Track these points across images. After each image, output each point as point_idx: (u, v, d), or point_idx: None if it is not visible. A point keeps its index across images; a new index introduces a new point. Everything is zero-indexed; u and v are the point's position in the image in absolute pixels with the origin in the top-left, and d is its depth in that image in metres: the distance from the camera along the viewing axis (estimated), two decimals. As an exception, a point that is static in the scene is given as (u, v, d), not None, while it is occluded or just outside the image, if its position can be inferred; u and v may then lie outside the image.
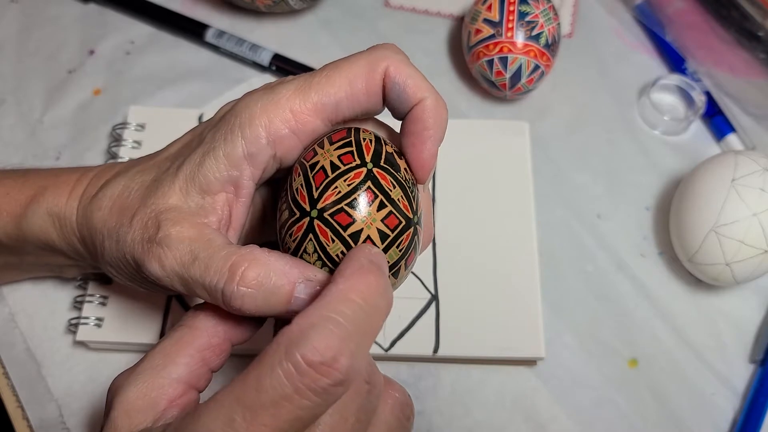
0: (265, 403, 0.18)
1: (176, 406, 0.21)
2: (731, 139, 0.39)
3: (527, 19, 0.36)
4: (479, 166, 0.36)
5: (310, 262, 0.21)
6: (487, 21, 0.36)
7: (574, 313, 0.35)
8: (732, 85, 0.41)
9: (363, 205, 0.21)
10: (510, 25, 0.36)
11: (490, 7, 0.37)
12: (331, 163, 0.22)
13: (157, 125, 0.36)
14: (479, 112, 0.40)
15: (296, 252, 0.22)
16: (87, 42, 0.41)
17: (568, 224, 0.37)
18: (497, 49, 0.36)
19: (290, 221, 0.22)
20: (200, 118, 0.36)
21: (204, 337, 0.22)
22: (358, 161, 0.22)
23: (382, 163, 0.22)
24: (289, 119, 0.23)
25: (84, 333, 0.31)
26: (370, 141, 0.22)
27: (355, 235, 0.21)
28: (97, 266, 0.27)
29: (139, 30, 0.41)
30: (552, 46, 0.37)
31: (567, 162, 0.39)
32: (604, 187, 0.38)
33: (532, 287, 0.33)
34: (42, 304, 0.33)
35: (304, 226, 0.21)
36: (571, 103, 0.40)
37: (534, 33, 0.36)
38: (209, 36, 0.40)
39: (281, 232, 0.22)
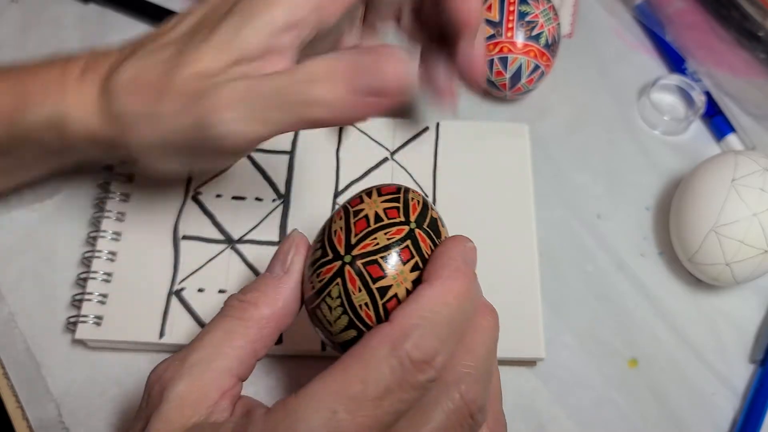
0: (370, 395, 0.18)
1: (227, 397, 0.21)
2: (731, 139, 0.39)
3: (527, 19, 0.36)
4: (479, 167, 0.36)
5: (331, 307, 0.21)
6: (487, 21, 0.37)
7: (574, 314, 0.35)
8: (732, 85, 0.41)
9: (397, 262, 0.21)
10: (510, 25, 0.36)
11: (490, 7, 0.37)
12: (376, 214, 0.22)
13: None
14: (479, 112, 0.40)
15: (320, 293, 0.22)
16: (87, 42, 0.41)
17: (568, 224, 0.37)
18: (497, 49, 0.36)
19: (321, 261, 0.22)
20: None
21: (255, 328, 0.22)
22: (402, 218, 0.22)
23: (425, 226, 0.22)
24: None
25: (83, 331, 0.31)
26: (418, 202, 0.22)
27: (383, 290, 0.21)
28: (113, 154, 0.27)
29: (139, 30, 0.41)
30: (552, 46, 0.37)
31: (567, 162, 0.39)
32: (604, 187, 0.38)
33: (532, 287, 0.33)
34: (41, 304, 0.33)
35: (334, 269, 0.21)
36: (571, 103, 0.40)
37: (534, 33, 0.36)
38: (209, 36, 0.40)
39: (309, 269, 0.22)
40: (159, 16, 0.41)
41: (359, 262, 0.21)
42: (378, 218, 0.22)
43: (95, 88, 0.25)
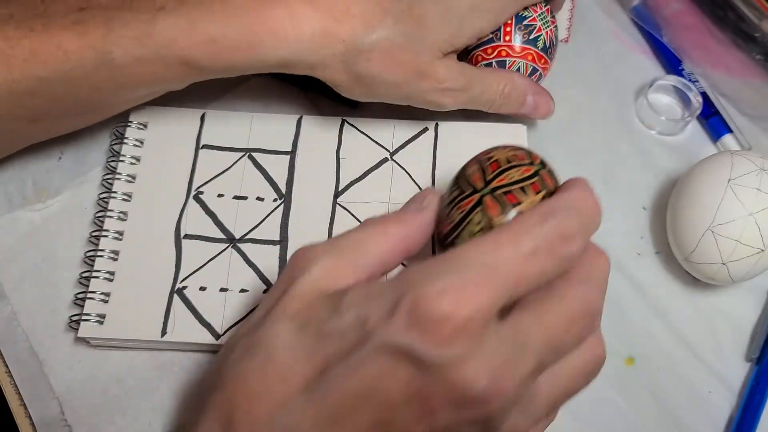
0: (521, 251, 0.21)
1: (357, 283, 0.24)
2: (727, 139, 0.40)
3: (525, 22, 0.36)
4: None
5: (473, 232, 0.24)
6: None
7: (571, 312, 0.35)
8: (728, 86, 0.41)
9: (530, 192, 0.25)
10: (508, 29, 0.36)
11: None
12: (506, 158, 0.26)
13: (159, 124, 0.36)
14: (478, 112, 0.40)
15: (460, 223, 0.25)
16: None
17: (565, 224, 0.37)
18: (495, 53, 0.36)
19: (460, 197, 0.25)
20: (202, 117, 0.37)
21: (391, 242, 0.24)
22: (528, 161, 0.26)
23: (548, 168, 0.26)
24: None
25: (85, 330, 0.31)
26: (537, 155, 0.26)
27: None
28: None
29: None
30: (549, 50, 0.37)
31: (564, 162, 0.39)
32: (602, 187, 0.38)
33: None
34: (44, 303, 0.33)
35: (474, 200, 0.25)
36: (568, 104, 0.40)
37: (532, 36, 0.36)
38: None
39: (447, 208, 0.26)
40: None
41: (497, 192, 0.25)
42: (508, 161, 0.25)
43: (335, 42, 0.29)
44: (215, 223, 0.34)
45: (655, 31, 0.42)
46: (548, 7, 0.37)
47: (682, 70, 0.41)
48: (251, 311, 0.32)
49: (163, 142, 0.36)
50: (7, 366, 0.32)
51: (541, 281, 0.22)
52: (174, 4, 0.28)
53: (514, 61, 0.36)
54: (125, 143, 0.36)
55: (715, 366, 0.34)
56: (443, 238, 0.25)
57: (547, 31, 0.37)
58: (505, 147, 0.26)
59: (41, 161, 0.37)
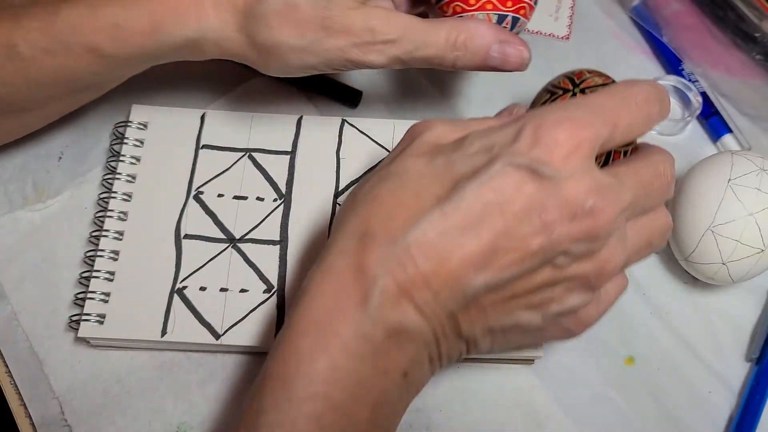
0: (628, 104, 0.24)
1: None
2: (727, 139, 0.40)
3: None
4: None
5: None
6: None
7: (571, 312, 0.35)
8: (728, 86, 0.41)
9: None
10: None
11: None
12: (588, 71, 0.31)
13: (159, 124, 0.36)
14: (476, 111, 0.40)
15: None
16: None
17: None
18: (450, 10, 0.30)
19: (552, 98, 0.31)
20: (202, 117, 0.37)
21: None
22: (605, 76, 0.31)
23: None
24: None
25: (85, 330, 0.31)
26: None
27: None
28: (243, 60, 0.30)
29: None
30: None
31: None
32: (602, 187, 0.38)
33: (531, 285, 0.33)
34: (44, 303, 0.33)
35: (568, 97, 0.30)
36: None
37: None
38: None
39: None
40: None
41: (586, 90, 0.30)
42: (589, 73, 0.31)
43: (236, 15, 0.28)
44: (215, 223, 0.34)
45: (655, 31, 0.42)
46: None
47: (682, 70, 0.41)
48: (250, 312, 0.32)
49: (163, 142, 0.36)
50: (7, 366, 0.32)
51: (629, 136, 0.24)
52: None
53: (472, 15, 0.31)
54: (125, 143, 0.36)
55: (715, 366, 0.34)
56: None
57: None
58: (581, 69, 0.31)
59: (41, 161, 0.37)
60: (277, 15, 0.27)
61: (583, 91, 0.30)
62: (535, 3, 0.32)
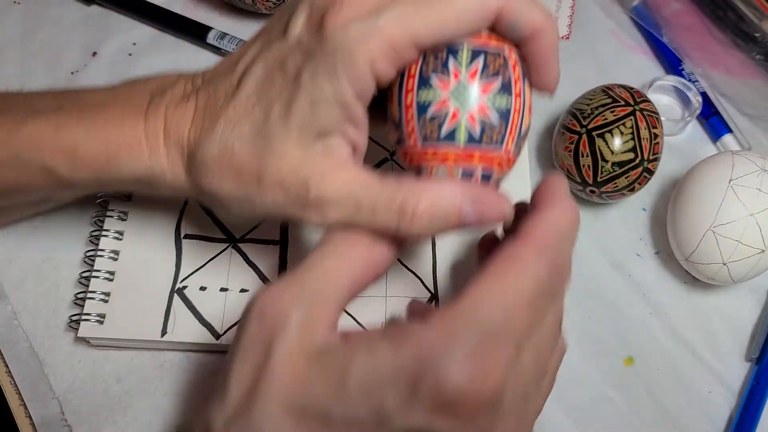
0: (530, 298, 0.21)
1: (335, 326, 0.22)
2: (728, 139, 0.39)
3: (430, 113, 0.23)
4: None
5: (622, 132, 0.31)
6: (392, 121, 0.25)
7: (570, 312, 0.34)
8: (728, 86, 0.41)
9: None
10: (410, 126, 0.24)
11: (391, 98, 0.24)
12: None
13: (158, 125, 0.36)
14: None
15: (614, 122, 0.32)
16: (90, 44, 0.41)
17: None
18: (407, 159, 0.25)
19: (612, 104, 0.34)
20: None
21: (360, 267, 0.23)
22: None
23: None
24: (391, 56, 0.22)
25: (85, 329, 0.31)
26: None
27: None
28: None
29: (142, 32, 0.42)
30: (490, 135, 0.24)
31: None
32: (602, 187, 0.38)
33: (530, 286, 0.33)
34: (44, 302, 0.33)
35: (628, 111, 0.34)
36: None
37: (445, 129, 0.23)
38: (211, 38, 0.41)
39: (597, 110, 0.33)
40: (161, 18, 0.42)
41: (645, 111, 0.34)
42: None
43: (181, 158, 0.26)
44: (215, 223, 0.34)
45: (655, 31, 0.42)
46: (474, 68, 0.23)
47: (682, 70, 0.41)
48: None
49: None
50: (7, 366, 0.32)
51: (538, 328, 0.22)
52: (50, 110, 0.27)
53: (432, 167, 0.24)
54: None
55: (715, 366, 0.34)
56: (593, 129, 0.32)
57: (470, 114, 0.23)
58: None
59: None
60: (215, 161, 0.24)
61: (642, 112, 0.33)
62: (518, 149, 0.25)
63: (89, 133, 0.26)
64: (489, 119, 0.23)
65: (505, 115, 0.24)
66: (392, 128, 0.25)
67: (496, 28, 0.23)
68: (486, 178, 0.24)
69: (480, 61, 0.23)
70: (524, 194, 0.36)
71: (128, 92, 0.27)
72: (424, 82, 0.23)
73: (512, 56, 0.24)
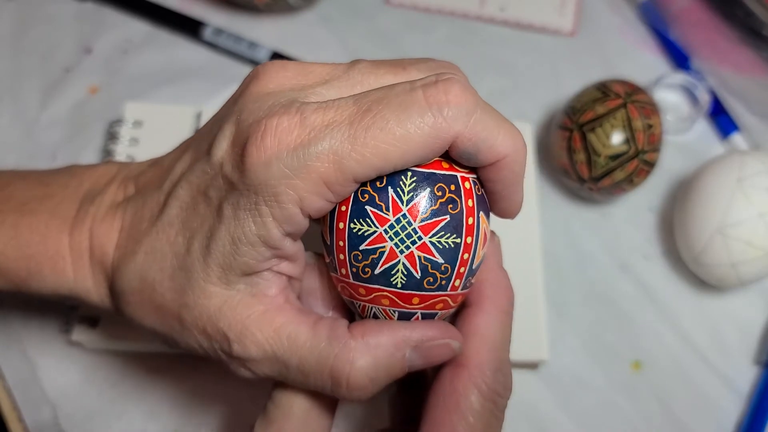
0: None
1: None
2: (736, 137, 0.39)
3: (363, 246, 0.20)
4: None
5: (613, 125, 0.32)
6: (324, 243, 0.22)
7: (577, 316, 0.34)
8: (736, 84, 0.40)
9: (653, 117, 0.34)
10: (341, 257, 0.21)
11: (324, 219, 0.21)
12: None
13: (153, 122, 0.36)
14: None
15: (604, 114, 0.33)
16: (83, 40, 0.40)
17: (571, 225, 0.36)
18: (340, 289, 0.22)
19: (604, 98, 0.34)
20: (198, 116, 0.36)
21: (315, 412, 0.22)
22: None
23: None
24: (323, 192, 0.19)
25: (79, 333, 0.31)
26: None
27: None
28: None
29: (136, 28, 0.41)
30: (433, 277, 0.20)
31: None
32: (607, 187, 0.38)
33: (536, 289, 0.32)
34: (37, 306, 0.33)
35: (619, 103, 0.33)
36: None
37: (379, 268, 0.20)
38: (207, 34, 0.40)
39: (588, 104, 0.34)
40: (156, 13, 0.41)
41: (636, 103, 0.33)
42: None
43: (106, 281, 0.24)
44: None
45: (662, 28, 0.42)
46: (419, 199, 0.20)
47: (690, 67, 0.41)
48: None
49: (158, 141, 0.35)
50: (0, 370, 0.32)
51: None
52: None
53: (364, 305, 0.21)
54: (120, 142, 0.35)
55: (723, 370, 0.33)
56: (583, 124, 0.33)
57: (410, 254, 0.20)
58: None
59: (35, 160, 0.36)
60: (134, 294, 0.22)
61: (634, 103, 0.33)
62: (470, 277, 0.21)
63: (10, 243, 0.24)
64: (432, 259, 0.20)
65: (452, 254, 0.20)
66: (324, 252, 0.22)
67: (451, 154, 0.20)
68: (428, 317, 0.21)
69: (425, 193, 0.19)
70: (527, 195, 0.35)
71: (61, 192, 0.25)
72: (358, 211, 0.20)
73: (466, 183, 0.20)
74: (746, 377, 0.33)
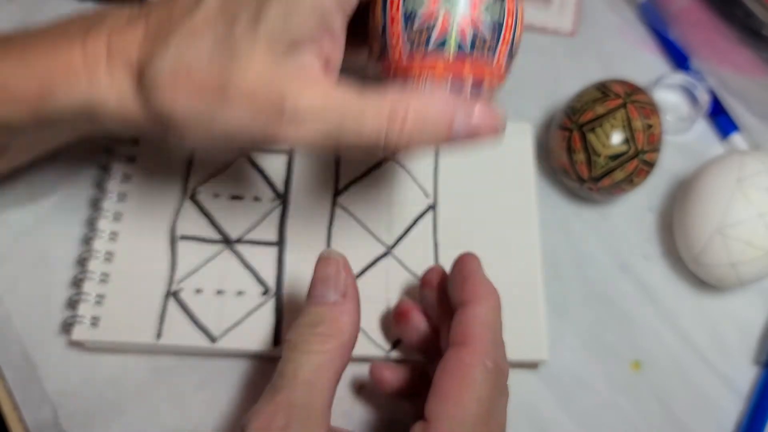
0: (483, 407, 0.23)
1: (329, 427, 0.23)
2: (735, 138, 0.39)
3: (418, 21, 0.23)
4: (481, 167, 0.35)
5: (613, 125, 0.30)
6: (374, 33, 0.24)
7: (576, 316, 0.34)
8: (736, 84, 0.40)
9: (653, 117, 0.34)
10: (395, 38, 0.23)
11: (374, 8, 0.24)
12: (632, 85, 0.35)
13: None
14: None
15: (604, 115, 0.31)
16: (84, 40, 0.40)
17: (570, 225, 0.36)
18: (391, 73, 0.24)
19: (603, 98, 0.33)
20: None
21: (338, 359, 0.24)
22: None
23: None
24: None
25: (79, 332, 0.31)
26: None
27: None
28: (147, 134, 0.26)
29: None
30: (482, 46, 0.23)
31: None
32: (607, 187, 0.38)
33: (535, 289, 0.33)
34: (37, 305, 0.33)
35: (619, 104, 0.33)
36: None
37: (434, 40, 0.23)
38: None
39: (587, 104, 0.33)
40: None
41: (636, 104, 0.33)
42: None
43: (129, 77, 0.24)
44: (211, 224, 0.33)
45: (662, 28, 0.42)
46: None
47: (690, 67, 0.41)
48: (247, 315, 0.31)
49: (158, 142, 0.35)
50: (0, 370, 0.32)
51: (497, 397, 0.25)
52: None
53: (418, 78, 0.24)
54: (120, 143, 0.35)
55: (723, 369, 0.33)
56: (583, 124, 0.33)
57: (462, 22, 0.23)
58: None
59: (33, 161, 0.36)
60: (169, 75, 0.22)
61: (634, 104, 0.33)
62: (510, 58, 0.24)
63: (18, 67, 0.24)
64: (480, 29, 0.22)
65: (497, 26, 0.23)
66: (375, 41, 0.23)
67: None
68: (477, 90, 0.23)
69: None
70: (527, 195, 0.35)
71: (62, 26, 0.25)
72: None
73: None
74: (746, 377, 0.33)
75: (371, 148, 0.23)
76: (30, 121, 0.25)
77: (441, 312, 0.28)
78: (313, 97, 0.22)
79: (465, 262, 0.27)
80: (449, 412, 0.23)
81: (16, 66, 0.24)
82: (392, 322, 0.30)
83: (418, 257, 0.33)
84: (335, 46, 0.23)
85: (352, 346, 0.25)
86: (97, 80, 0.24)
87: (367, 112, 0.22)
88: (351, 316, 0.25)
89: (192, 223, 0.33)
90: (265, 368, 0.32)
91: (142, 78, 0.23)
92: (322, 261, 0.25)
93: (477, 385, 0.23)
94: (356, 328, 0.25)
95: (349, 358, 0.25)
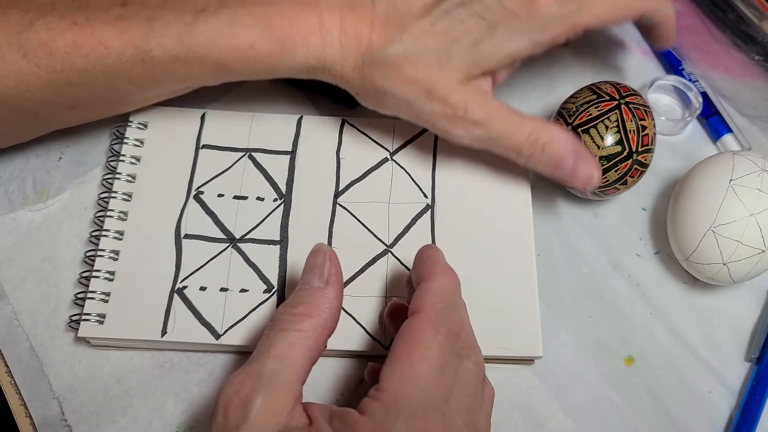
0: (435, 367, 0.24)
1: (298, 401, 0.24)
2: (727, 139, 0.39)
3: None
4: (479, 167, 0.36)
5: (607, 126, 0.33)
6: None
7: (570, 313, 0.35)
8: (728, 86, 0.41)
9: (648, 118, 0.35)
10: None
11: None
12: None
13: (159, 124, 0.36)
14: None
15: (598, 117, 0.33)
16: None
17: (564, 224, 0.37)
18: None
19: (598, 100, 0.34)
20: (202, 117, 0.37)
21: (312, 338, 0.25)
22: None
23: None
24: (577, 33, 0.31)
25: (86, 329, 0.31)
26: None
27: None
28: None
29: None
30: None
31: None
32: (602, 187, 0.38)
33: (530, 286, 0.33)
34: (44, 302, 0.33)
35: (612, 105, 0.34)
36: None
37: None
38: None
39: (581, 106, 0.34)
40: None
41: (631, 105, 0.34)
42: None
43: (356, 50, 0.30)
44: (215, 223, 0.34)
45: (655, 32, 0.42)
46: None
47: (682, 70, 0.41)
48: (250, 312, 0.32)
49: (163, 142, 0.36)
50: (7, 366, 0.32)
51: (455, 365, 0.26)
52: (214, 7, 0.29)
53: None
54: (125, 143, 0.35)
55: (715, 366, 0.34)
56: (577, 125, 0.34)
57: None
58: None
59: (42, 161, 0.37)
60: (394, 65, 0.29)
61: (628, 105, 0.34)
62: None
63: (265, 30, 0.29)
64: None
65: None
66: None
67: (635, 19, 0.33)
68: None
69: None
70: (522, 194, 0.36)
71: None
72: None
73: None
74: (737, 373, 0.34)
75: (506, 156, 0.32)
76: (259, 74, 0.30)
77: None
78: (487, 111, 0.30)
79: (424, 249, 0.28)
80: (399, 373, 0.24)
81: (264, 29, 0.29)
82: (385, 321, 0.30)
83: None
84: (506, 74, 0.32)
85: (330, 329, 0.26)
86: (330, 46, 0.30)
87: (515, 131, 0.31)
88: (331, 301, 0.26)
89: (196, 222, 0.34)
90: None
91: (371, 53, 0.30)
92: (312, 253, 0.28)
93: (425, 345, 0.24)
94: (335, 313, 0.27)
95: (325, 340, 0.26)
